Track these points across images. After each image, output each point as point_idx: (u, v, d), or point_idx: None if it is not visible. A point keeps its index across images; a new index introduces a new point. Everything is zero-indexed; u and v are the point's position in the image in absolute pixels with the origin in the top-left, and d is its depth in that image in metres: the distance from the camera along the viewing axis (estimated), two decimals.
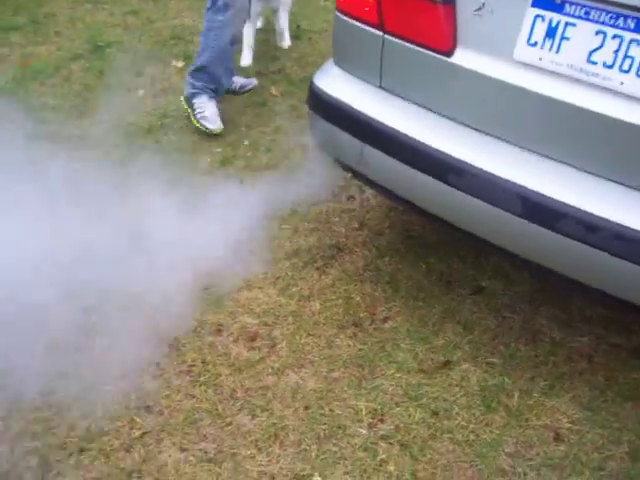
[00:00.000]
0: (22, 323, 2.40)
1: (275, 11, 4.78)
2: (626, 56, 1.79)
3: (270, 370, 2.35)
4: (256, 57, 4.67)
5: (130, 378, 2.30)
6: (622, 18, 1.78)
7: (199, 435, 2.13)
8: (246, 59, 4.60)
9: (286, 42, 4.89)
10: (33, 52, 4.75)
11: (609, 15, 1.80)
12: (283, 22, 4.84)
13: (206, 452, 2.08)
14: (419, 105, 2.26)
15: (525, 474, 2.05)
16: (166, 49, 4.86)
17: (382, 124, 2.28)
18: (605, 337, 2.51)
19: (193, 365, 2.36)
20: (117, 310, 2.50)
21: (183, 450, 2.09)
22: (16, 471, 2.02)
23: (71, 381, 2.28)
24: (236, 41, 3.87)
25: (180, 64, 4.60)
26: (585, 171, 1.92)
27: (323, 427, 2.16)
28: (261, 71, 4.51)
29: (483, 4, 2.02)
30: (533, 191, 1.96)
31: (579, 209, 1.89)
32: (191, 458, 2.06)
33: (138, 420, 2.17)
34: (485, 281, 2.74)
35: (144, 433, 2.14)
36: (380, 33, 2.29)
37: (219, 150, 3.55)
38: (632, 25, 1.77)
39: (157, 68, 4.54)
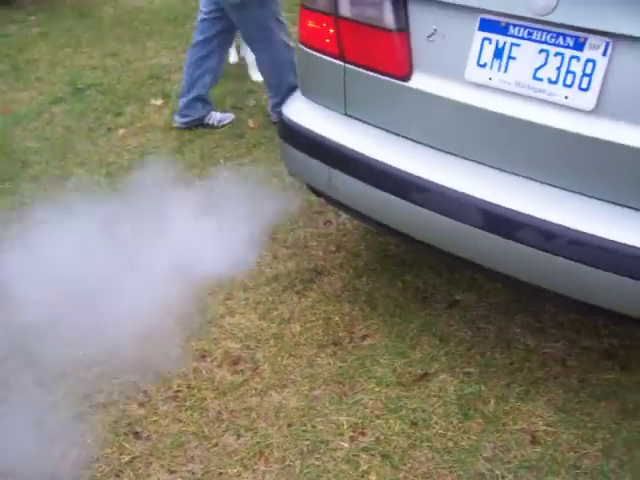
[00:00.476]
0: None
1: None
2: (568, 71, 1.91)
3: (254, 391, 2.42)
4: (232, 92, 4.80)
5: (117, 406, 2.37)
6: (562, 37, 1.90)
7: (186, 457, 2.20)
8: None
9: (257, 75, 4.89)
10: (15, 98, 4.87)
11: (550, 34, 1.92)
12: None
13: (194, 473, 2.15)
14: (382, 129, 2.37)
15: (503, 477, 2.12)
16: (145, 88, 4.98)
17: (348, 149, 2.38)
18: (577, 341, 2.59)
19: (179, 390, 2.43)
20: (102, 342, 2.57)
21: (171, 472, 2.16)
22: None
23: (61, 411, 2.35)
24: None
25: (159, 102, 4.73)
26: (539, 181, 2.03)
27: (306, 443, 2.23)
28: (237, 105, 4.63)
29: (435, 30, 2.14)
30: (492, 203, 2.06)
31: (536, 218, 1.99)
32: (179, 479, 2.13)
33: (127, 446, 2.24)
34: (460, 294, 2.83)
35: (133, 458, 2.20)
36: (341, 63, 2.40)
37: (200, 183, 3.65)
38: (571, 43, 1.89)
39: (137, 107, 4.66)
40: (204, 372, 2.50)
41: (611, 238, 1.89)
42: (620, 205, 1.93)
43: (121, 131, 4.33)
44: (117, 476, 2.15)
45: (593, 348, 2.57)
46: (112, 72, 5.37)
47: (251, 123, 4.34)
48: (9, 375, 2.48)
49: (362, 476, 2.12)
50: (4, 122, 4.41)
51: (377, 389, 2.41)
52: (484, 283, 2.87)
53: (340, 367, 2.50)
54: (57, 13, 7.11)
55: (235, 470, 2.15)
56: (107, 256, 2.91)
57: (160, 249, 2.93)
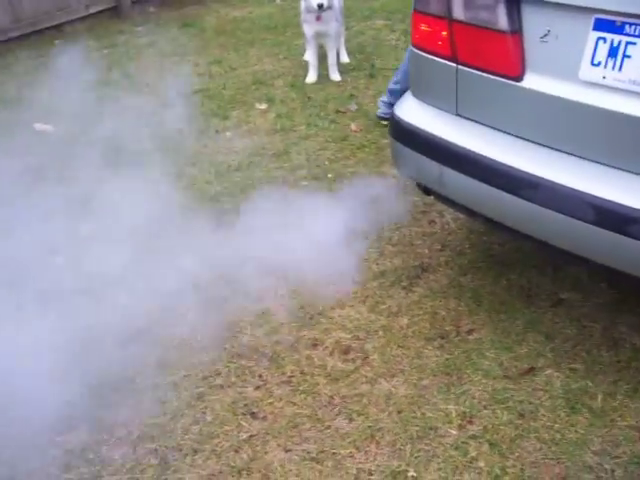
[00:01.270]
0: None
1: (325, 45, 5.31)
2: None
3: (364, 379, 2.52)
4: (334, 97, 4.94)
5: (234, 388, 2.52)
6: None
7: (301, 437, 2.32)
8: (311, 77, 5.30)
9: (334, 75, 5.30)
10: (128, 104, 5.13)
11: None
12: (331, 57, 5.29)
13: (308, 452, 2.27)
14: (493, 128, 2.44)
15: (613, 470, 2.15)
16: (249, 93, 5.18)
17: (459, 147, 2.47)
18: None
19: (292, 376, 2.56)
20: (218, 328, 2.73)
21: (287, 451, 2.28)
22: (139, 468, 2.25)
23: (182, 391, 2.51)
24: None
25: (263, 106, 4.91)
26: None
27: (416, 428, 2.31)
28: (340, 109, 4.76)
29: (548, 31, 2.20)
30: (604, 199, 2.10)
31: None
32: (295, 457, 2.25)
33: (245, 424, 2.38)
34: (564, 293, 2.86)
35: (251, 436, 2.34)
36: (454, 64, 2.49)
37: (305, 184, 3.79)
38: None
39: (242, 111, 4.86)
40: (316, 360, 2.62)
41: None
42: None
43: (228, 134, 4.53)
44: (236, 452, 2.29)
45: None
46: (217, 78, 5.60)
47: (353, 126, 4.46)
48: (134, 357, 2.65)
49: (471, 462, 2.19)
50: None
51: (484, 381, 2.47)
52: (589, 282, 2.89)
53: (447, 359, 2.58)
54: (162, 24, 7.44)
55: (348, 451, 2.26)
56: (218, 251, 3.08)
57: (275, 244, 3.07)
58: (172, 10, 7.90)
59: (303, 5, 5.12)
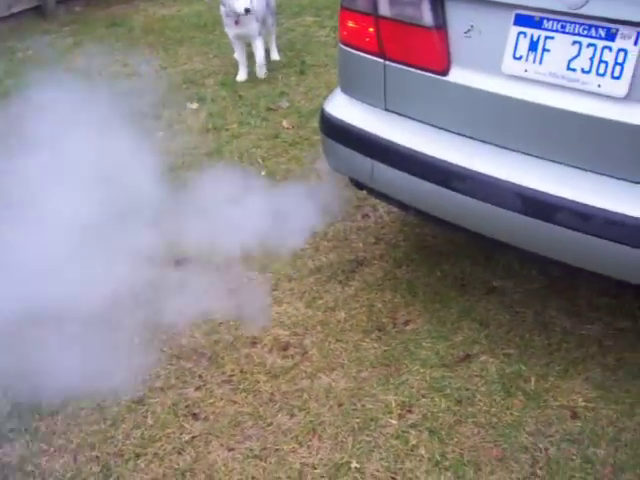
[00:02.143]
0: None
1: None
2: (601, 61, 2.01)
3: (304, 374, 2.54)
4: (265, 94, 4.94)
5: (175, 390, 2.51)
6: (594, 28, 2.01)
7: (244, 435, 2.33)
8: (241, 75, 5.28)
9: (260, 73, 5.29)
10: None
11: (582, 27, 2.03)
12: (258, 56, 5.24)
13: (252, 450, 2.28)
14: (422, 122, 2.48)
15: (546, 449, 2.22)
16: (180, 93, 5.13)
17: (389, 141, 2.51)
18: (613, 323, 2.69)
19: (232, 375, 2.56)
20: (156, 330, 2.71)
21: (230, 450, 2.28)
22: (80, 477, 2.22)
23: (121, 396, 2.49)
24: None
25: (195, 106, 4.88)
26: (574, 166, 2.13)
27: (357, 420, 2.35)
28: (271, 107, 4.77)
29: (472, 26, 2.26)
30: (529, 188, 2.17)
31: (572, 201, 2.09)
32: (238, 456, 2.26)
33: (187, 426, 2.37)
34: (497, 281, 2.93)
35: (193, 437, 2.33)
36: (381, 60, 2.52)
37: (240, 182, 3.77)
38: (603, 34, 1.99)
39: (174, 111, 4.81)
40: (255, 357, 2.63)
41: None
42: None
43: (160, 134, 4.48)
44: (179, 453, 2.29)
45: (629, 329, 2.66)
46: (147, 78, 5.53)
47: (285, 124, 4.47)
48: (68, 363, 2.60)
49: (412, 450, 2.24)
50: None
51: (422, 370, 2.52)
52: (520, 270, 2.97)
53: (385, 350, 2.62)
54: (89, 23, 7.31)
55: (290, 447, 2.28)
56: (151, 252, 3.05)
57: (206, 243, 3.06)
58: (99, 9, 7.76)
59: (222, 9, 5.10)
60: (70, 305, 2.74)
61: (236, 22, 5.02)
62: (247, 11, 4.81)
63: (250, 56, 5.31)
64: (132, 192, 3.63)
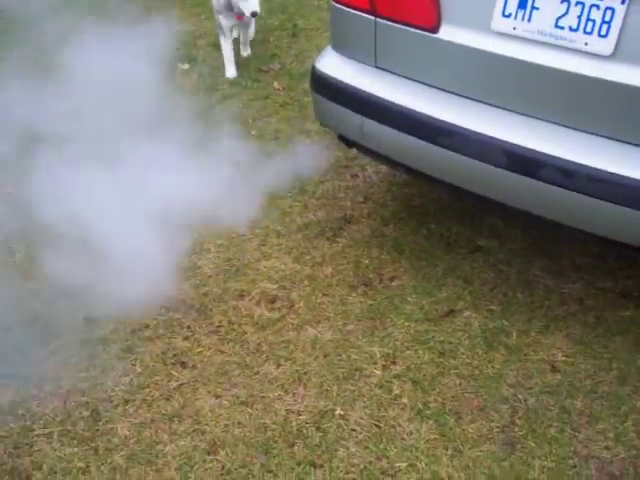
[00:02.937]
0: None
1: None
2: (588, 19, 2.04)
3: (290, 326, 2.59)
4: (257, 56, 4.93)
5: (163, 339, 2.55)
6: None
7: (230, 383, 2.38)
8: (230, 71, 4.66)
9: (245, 51, 4.97)
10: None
11: None
12: (243, 35, 4.92)
13: (238, 397, 2.33)
14: (411, 79, 2.51)
15: (526, 400, 2.29)
16: (171, 54, 5.10)
17: (379, 98, 2.53)
18: (594, 282, 2.75)
19: (220, 326, 2.61)
20: (146, 283, 2.75)
21: (217, 397, 2.34)
22: (70, 421, 2.27)
23: (110, 345, 2.53)
24: None
25: (186, 66, 4.86)
26: (560, 124, 2.17)
27: (342, 370, 2.40)
28: (262, 69, 4.76)
29: None
30: (516, 145, 2.21)
31: (557, 157, 2.13)
32: (225, 402, 2.31)
33: (175, 374, 2.42)
34: (482, 240, 2.98)
35: (181, 384, 2.39)
36: (372, 17, 2.54)
37: (230, 141, 3.79)
38: None
39: (165, 71, 4.79)
40: (243, 309, 2.67)
41: (625, 174, 2.04)
42: (637, 145, 2.07)
43: (151, 93, 4.46)
44: (167, 400, 2.34)
45: (609, 288, 2.72)
46: (137, 40, 5.48)
47: (276, 85, 4.47)
48: (61, 313, 2.65)
49: (395, 399, 2.30)
50: None
51: (406, 324, 2.58)
52: (505, 230, 3.02)
53: (371, 305, 2.67)
54: None
55: (276, 394, 2.33)
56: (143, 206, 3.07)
57: (197, 199, 3.09)
58: None
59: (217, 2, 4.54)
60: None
61: (239, 17, 4.49)
62: (254, 15, 4.31)
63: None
64: (122, 148, 3.65)
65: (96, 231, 2.89)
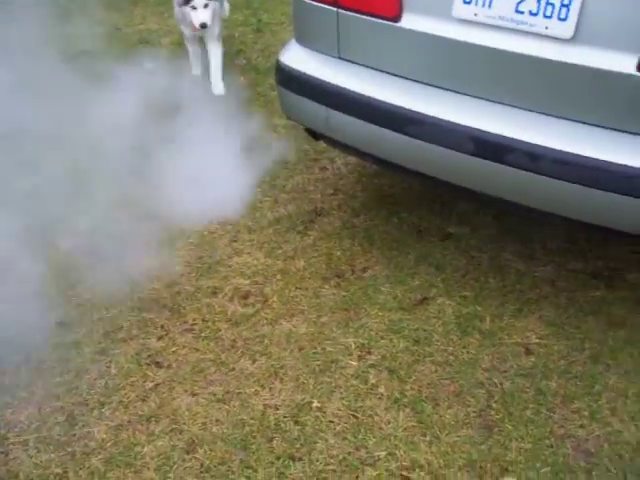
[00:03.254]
0: None
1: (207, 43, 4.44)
2: (547, 3, 2.06)
3: (265, 321, 2.59)
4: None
5: (137, 340, 2.53)
6: None
7: (207, 381, 2.37)
8: (196, 69, 4.56)
9: (217, 89, 4.35)
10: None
11: None
12: (214, 61, 4.37)
13: (215, 394, 2.32)
14: (375, 69, 2.51)
15: (501, 384, 2.31)
16: (136, 53, 5.06)
17: (344, 89, 2.53)
18: (565, 264, 2.78)
19: (194, 324, 2.59)
20: (117, 284, 2.73)
21: (194, 395, 2.32)
22: (46, 427, 2.24)
23: (84, 348, 2.51)
24: None
25: (151, 65, 4.82)
26: (523, 108, 2.18)
27: (317, 363, 2.40)
28: (228, 63, 4.73)
29: None
30: (482, 130, 2.22)
31: (522, 141, 2.15)
32: (202, 400, 2.30)
33: (150, 374, 2.41)
34: (452, 228, 3.00)
35: (157, 384, 2.37)
36: (334, 9, 2.53)
37: (197, 137, 3.77)
38: None
39: (130, 71, 4.75)
40: (216, 307, 2.66)
41: (589, 155, 2.06)
42: (597, 126, 2.09)
43: (117, 93, 4.42)
44: (143, 400, 2.32)
45: (580, 270, 2.75)
46: (101, 39, 5.43)
47: (242, 80, 4.46)
48: (33, 319, 2.61)
49: (371, 389, 2.30)
50: None
51: (380, 313, 2.58)
52: (475, 217, 3.04)
53: (344, 296, 2.67)
54: None
55: (253, 389, 2.32)
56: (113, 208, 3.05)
57: (171, 196, 3.06)
58: None
59: (177, 8, 4.29)
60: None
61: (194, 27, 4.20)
62: (204, 26, 4.09)
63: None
64: (90, 153, 3.62)
65: (64, 232, 2.88)
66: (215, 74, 4.36)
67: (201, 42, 4.49)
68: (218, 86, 4.35)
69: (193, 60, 4.58)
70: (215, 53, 4.37)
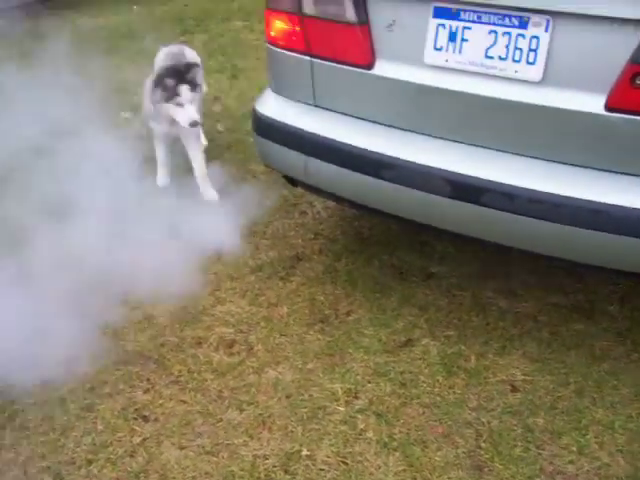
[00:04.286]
0: None
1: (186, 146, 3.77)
2: (516, 48, 2.12)
3: (250, 370, 2.58)
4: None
5: (123, 394, 2.51)
6: (508, 18, 2.11)
7: (194, 433, 2.35)
8: (161, 179, 3.88)
9: (208, 196, 3.68)
10: None
11: (497, 16, 2.13)
12: (199, 164, 3.71)
13: (203, 447, 2.30)
14: (350, 115, 2.55)
15: (489, 422, 2.31)
16: (113, 102, 5.09)
17: (320, 136, 2.57)
18: (546, 299, 2.81)
19: (180, 375, 2.58)
20: (100, 338, 2.71)
21: (182, 448, 2.30)
22: None
23: (69, 405, 2.49)
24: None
25: (128, 115, 4.86)
26: (496, 149, 2.23)
27: (305, 410, 2.40)
28: (205, 112, 4.77)
29: (393, 21, 2.34)
30: (457, 173, 2.26)
31: (497, 182, 2.19)
32: (190, 453, 2.28)
33: (137, 429, 2.38)
34: (434, 267, 3.03)
35: (144, 439, 2.35)
36: (308, 58, 2.59)
37: (177, 185, 3.79)
38: (516, 22, 2.10)
39: (107, 120, 4.78)
40: (202, 357, 2.65)
41: (562, 194, 2.10)
42: (569, 164, 2.14)
43: (95, 143, 4.44)
44: (131, 456, 2.29)
45: (561, 304, 2.79)
46: (78, 89, 5.46)
47: (220, 127, 4.50)
48: (15, 378, 2.59)
49: (360, 434, 2.30)
50: None
51: (365, 357, 2.59)
52: (455, 255, 3.07)
53: (329, 341, 2.68)
54: (16, 36, 7.17)
55: (241, 440, 2.31)
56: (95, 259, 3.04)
57: (148, 247, 3.06)
58: (25, 21, 7.63)
59: (147, 104, 3.68)
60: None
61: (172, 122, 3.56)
62: (194, 125, 3.47)
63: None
64: (69, 198, 3.61)
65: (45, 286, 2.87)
66: (203, 180, 3.70)
67: (175, 141, 3.79)
68: (208, 193, 3.68)
69: (161, 167, 3.87)
70: (197, 154, 3.72)
